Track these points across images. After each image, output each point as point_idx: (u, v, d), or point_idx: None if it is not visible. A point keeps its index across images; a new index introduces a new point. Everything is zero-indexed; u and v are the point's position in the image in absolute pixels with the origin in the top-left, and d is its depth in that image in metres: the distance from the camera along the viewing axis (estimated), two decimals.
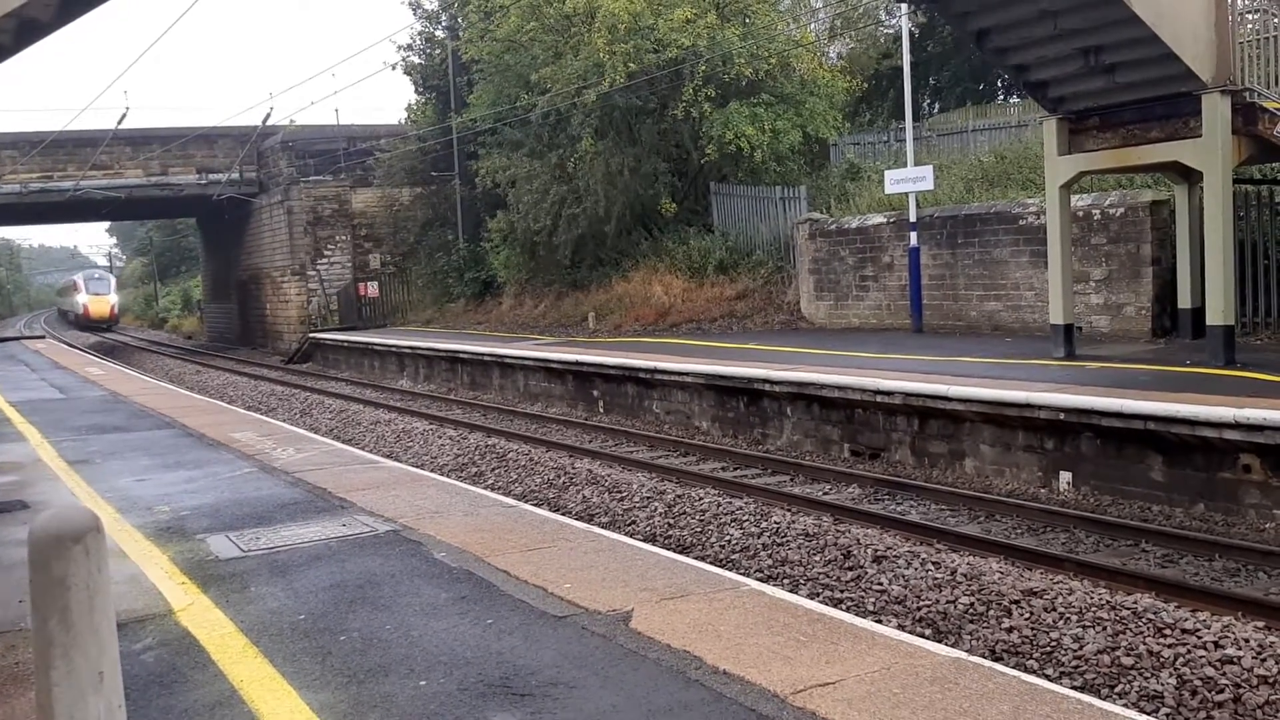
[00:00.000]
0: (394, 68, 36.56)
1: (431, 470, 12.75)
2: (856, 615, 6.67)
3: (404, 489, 8.76)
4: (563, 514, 9.97)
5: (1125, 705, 5.86)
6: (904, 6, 19.92)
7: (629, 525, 10.43)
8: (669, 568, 6.16)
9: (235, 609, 5.60)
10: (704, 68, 23.96)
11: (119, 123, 32.47)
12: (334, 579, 6.08)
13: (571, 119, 25.87)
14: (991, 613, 7.22)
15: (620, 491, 11.58)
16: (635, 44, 24.08)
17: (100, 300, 66.40)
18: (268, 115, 35.89)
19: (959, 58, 31.70)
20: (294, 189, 37.53)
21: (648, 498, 11.18)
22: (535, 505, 9.87)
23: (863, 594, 7.91)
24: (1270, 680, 5.89)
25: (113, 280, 72.27)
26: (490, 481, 13.05)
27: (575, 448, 15.03)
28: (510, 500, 8.74)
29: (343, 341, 31.82)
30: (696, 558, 8.55)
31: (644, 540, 9.09)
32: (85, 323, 65.61)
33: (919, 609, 7.47)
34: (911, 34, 22.83)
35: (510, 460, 13.97)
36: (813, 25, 28.60)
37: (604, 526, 9.71)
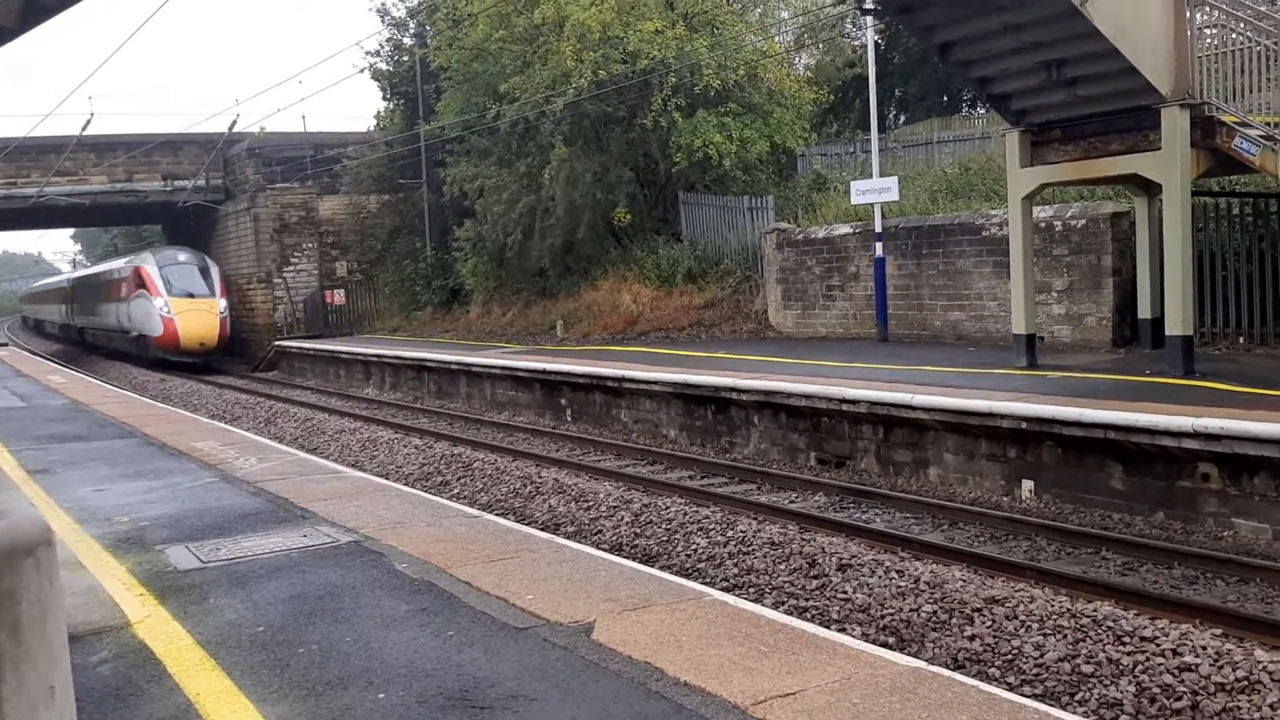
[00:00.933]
0: (362, 71, 36.53)
1: (396, 480, 12.69)
2: (820, 625, 6.70)
3: (367, 499, 8.71)
4: (528, 524, 9.95)
5: (1085, 713, 5.91)
6: (869, 19, 20.06)
7: (595, 535, 10.41)
8: (632, 578, 6.15)
9: (193, 621, 5.54)
10: (673, 78, 24.05)
11: (84, 129, 32.23)
12: (294, 590, 6.04)
13: (541, 127, 25.88)
14: (954, 621, 7.26)
15: (587, 501, 11.56)
16: (604, 53, 24.14)
17: (200, 309, 34.59)
18: (234, 122, 35.71)
19: (924, 70, 31.95)
20: (260, 196, 37.29)
21: (614, 507, 11.16)
22: (500, 515, 9.84)
23: (827, 603, 7.93)
24: (1227, 687, 5.96)
25: (217, 272, 36.60)
26: (455, 491, 12.99)
27: (542, 457, 14.99)
28: (474, 510, 8.70)
29: (309, 349, 31.61)
30: (662, 567, 8.55)
31: (609, 550, 9.08)
32: (166, 352, 34.60)
33: (883, 617, 7.49)
34: (877, 45, 23.03)
35: (476, 469, 13.91)
36: (779, 36, 28.75)
37: (569, 536, 9.69)
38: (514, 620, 5.34)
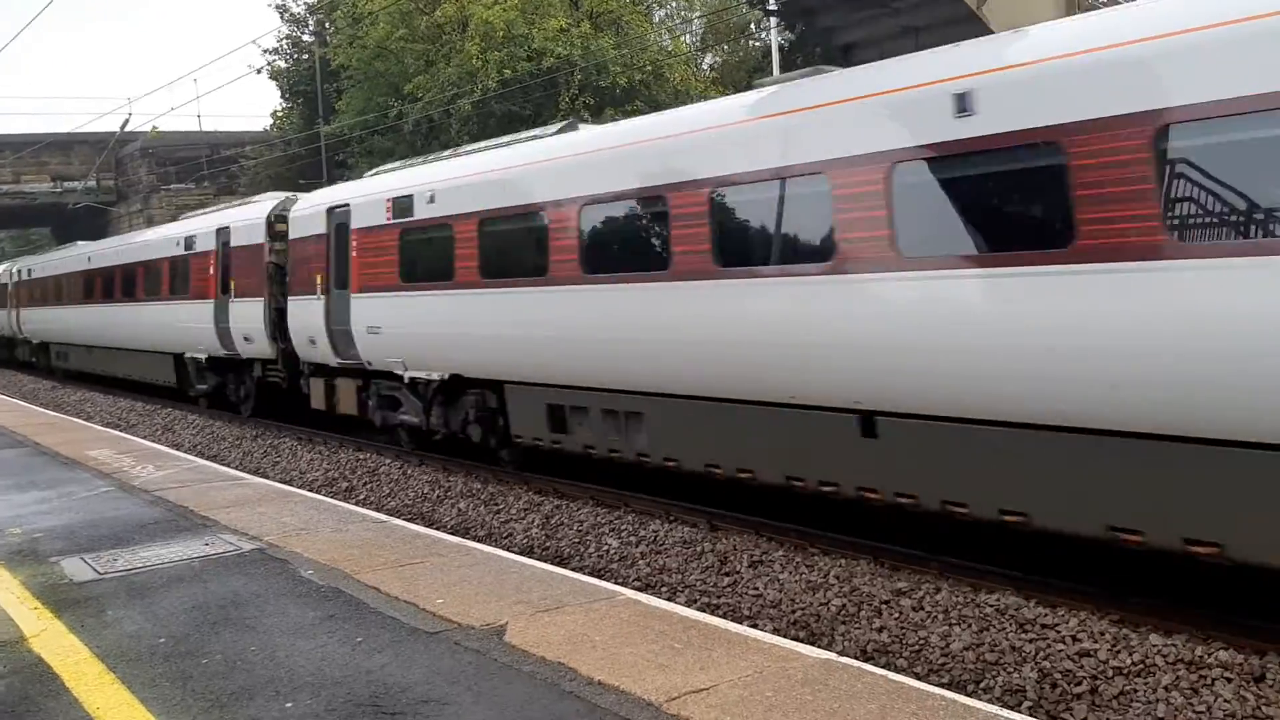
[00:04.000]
0: (259, 71, 35.78)
1: (300, 486, 12.46)
2: (731, 620, 6.75)
3: (270, 506, 8.54)
4: (436, 528, 9.83)
5: (989, 700, 6.03)
6: (773, 20, 20.31)
7: (506, 538, 10.33)
8: (545, 579, 6.13)
9: (91, 634, 5.37)
10: (579, 76, 24.05)
11: None
12: (196, 600, 5.88)
13: (447, 127, 25.64)
14: (863, 613, 7.37)
15: (496, 504, 11.47)
16: (509, 51, 24.03)
17: None
18: (126, 121, 34.73)
19: None
20: (154, 197, 36.34)
21: (525, 510, 11.09)
22: (408, 520, 9.72)
23: (739, 599, 7.99)
24: (1124, 671, 6.14)
25: None
26: (361, 496, 12.78)
27: (449, 460, 14.81)
28: (381, 515, 8.60)
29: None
30: (574, 569, 8.52)
31: (521, 553, 9.03)
32: None
33: (793, 612, 7.57)
34: (781, 48, 23.29)
35: (382, 474, 13.70)
36: (685, 37, 28.98)
37: (479, 540, 9.61)
38: (424, 625, 5.28)
